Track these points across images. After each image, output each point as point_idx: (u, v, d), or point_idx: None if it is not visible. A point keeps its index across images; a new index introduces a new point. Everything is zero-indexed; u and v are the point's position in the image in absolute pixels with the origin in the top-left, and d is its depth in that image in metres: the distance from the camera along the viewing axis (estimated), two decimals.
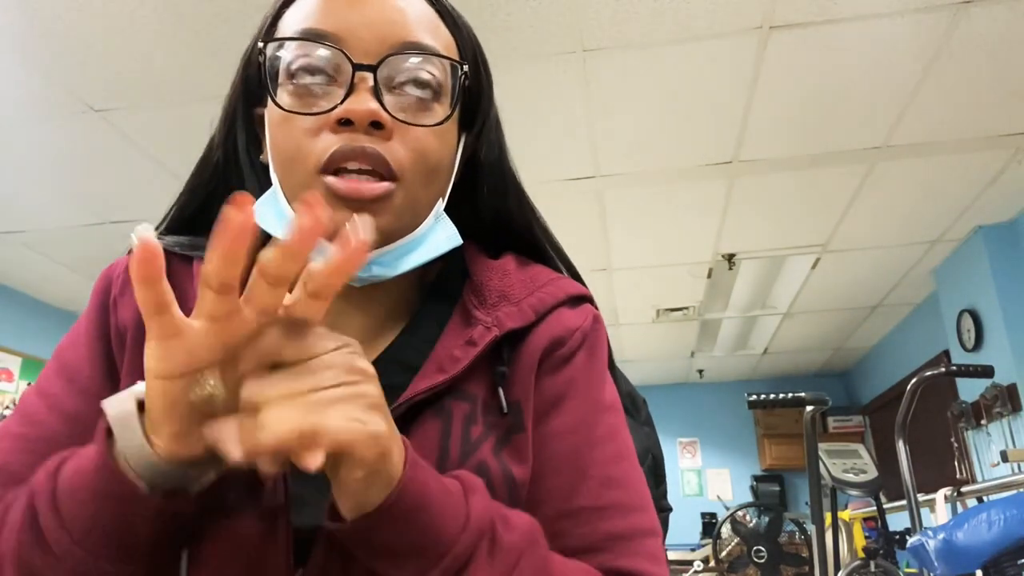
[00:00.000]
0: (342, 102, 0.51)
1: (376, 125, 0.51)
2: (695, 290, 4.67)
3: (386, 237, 0.52)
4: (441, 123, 0.54)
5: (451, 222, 0.58)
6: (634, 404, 1.12)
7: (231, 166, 0.61)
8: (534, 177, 3.18)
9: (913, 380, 2.54)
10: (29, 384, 4.48)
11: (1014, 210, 3.62)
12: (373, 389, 0.40)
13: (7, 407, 4.34)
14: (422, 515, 0.43)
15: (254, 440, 0.36)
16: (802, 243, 3.96)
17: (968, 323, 3.93)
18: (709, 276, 4.43)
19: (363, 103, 0.50)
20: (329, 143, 0.51)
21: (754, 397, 2.45)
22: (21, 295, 4.54)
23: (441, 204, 0.57)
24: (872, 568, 2.55)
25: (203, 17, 2.30)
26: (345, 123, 0.51)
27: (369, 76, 0.51)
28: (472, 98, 0.60)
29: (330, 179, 0.50)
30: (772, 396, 2.44)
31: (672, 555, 5.10)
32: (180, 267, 0.59)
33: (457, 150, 0.59)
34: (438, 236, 0.56)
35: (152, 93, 2.65)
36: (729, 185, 3.36)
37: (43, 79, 2.57)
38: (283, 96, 0.53)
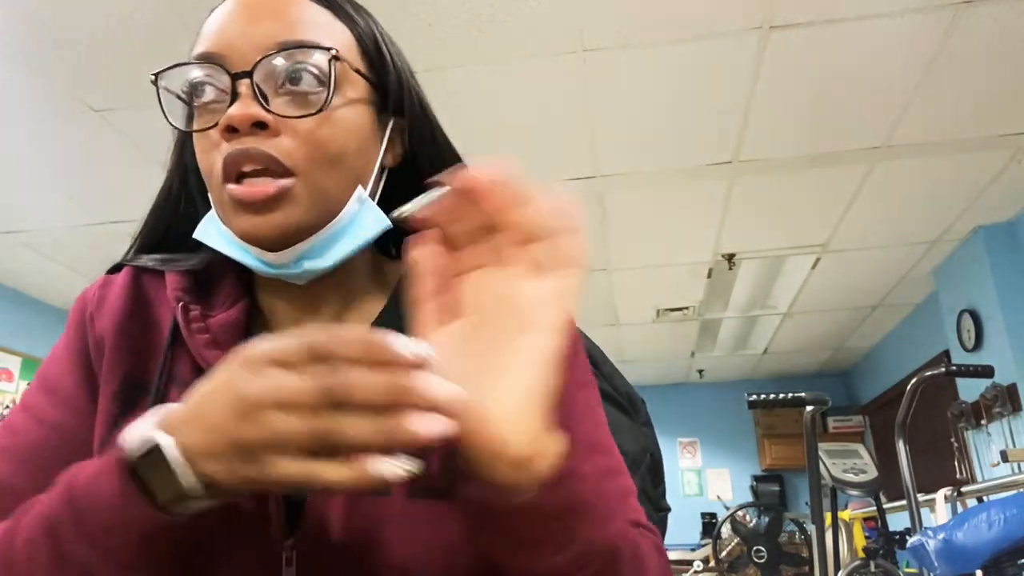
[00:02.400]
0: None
1: (260, 125, 0.52)
2: (695, 290, 4.66)
3: (303, 230, 0.54)
4: (320, 111, 0.53)
5: (376, 206, 0.58)
6: (632, 404, 1.11)
7: (184, 186, 0.64)
8: (534, 177, 3.14)
9: (913, 380, 2.54)
10: (29, 384, 4.50)
11: (1014, 210, 3.62)
12: None
13: (7, 407, 4.35)
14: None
15: None
16: (802, 243, 3.96)
17: (968, 323, 3.93)
18: (709, 276, 4.43)
19: (243, 108, 0.52)
20: (223, 152, 0.53)
21: (754, 397, 2.45)
22: (21, 295, 4.54)
23: (363, 190, 0.58)
24: (872, 568, 2.55)
25: (203, 17, 2.30)
26: (232, 130, 0.52)
27: (247, 81, 0.53)
28: (382, 85, 0.60)
29: (231, 187, 0.53)
30: (772, 396, 2.44)
31: (672, 555, 5.10)
32: (152, 280, 0.62)
33: (383, 135, 0.60)
34: (365, 221, 0.57)
35: (152, 93, 2.63)
36: (729, 185, 3.36)
37: (43, 79, 2.57)
38: (196, 118, 0.56)
